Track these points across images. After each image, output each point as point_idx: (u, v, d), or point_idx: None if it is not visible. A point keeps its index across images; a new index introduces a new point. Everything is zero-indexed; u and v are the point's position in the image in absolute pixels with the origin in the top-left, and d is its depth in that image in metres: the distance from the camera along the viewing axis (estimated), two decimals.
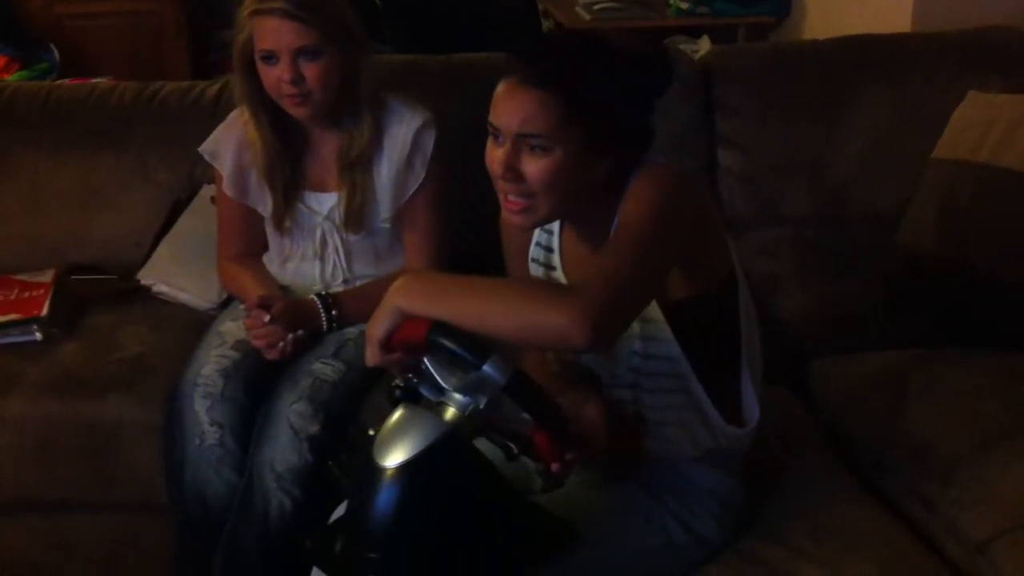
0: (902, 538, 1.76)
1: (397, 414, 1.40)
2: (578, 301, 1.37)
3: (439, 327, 1.39)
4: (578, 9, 4.14)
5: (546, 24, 4.50)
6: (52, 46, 4.30)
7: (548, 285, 1.68)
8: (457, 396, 1.41)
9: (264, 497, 1.98)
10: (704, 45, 3.68)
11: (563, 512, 1.57)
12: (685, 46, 3.58)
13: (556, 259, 1.74)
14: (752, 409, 1.69)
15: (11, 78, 4.07)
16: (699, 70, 2.71)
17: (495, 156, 1.54)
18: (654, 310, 1.59)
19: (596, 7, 4.08)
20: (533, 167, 1.51)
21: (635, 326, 1.61)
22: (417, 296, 1.44)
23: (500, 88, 1.54)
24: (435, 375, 1.43)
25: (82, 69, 4.16)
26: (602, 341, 1.40)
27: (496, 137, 1.54)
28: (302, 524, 1.96)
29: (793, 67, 2.76)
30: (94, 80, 3.35)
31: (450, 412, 1.41)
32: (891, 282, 2.38)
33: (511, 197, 1.55)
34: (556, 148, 1.50)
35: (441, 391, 1.43)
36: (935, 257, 2.36)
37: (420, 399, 1.45)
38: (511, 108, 1.52)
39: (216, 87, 2.66)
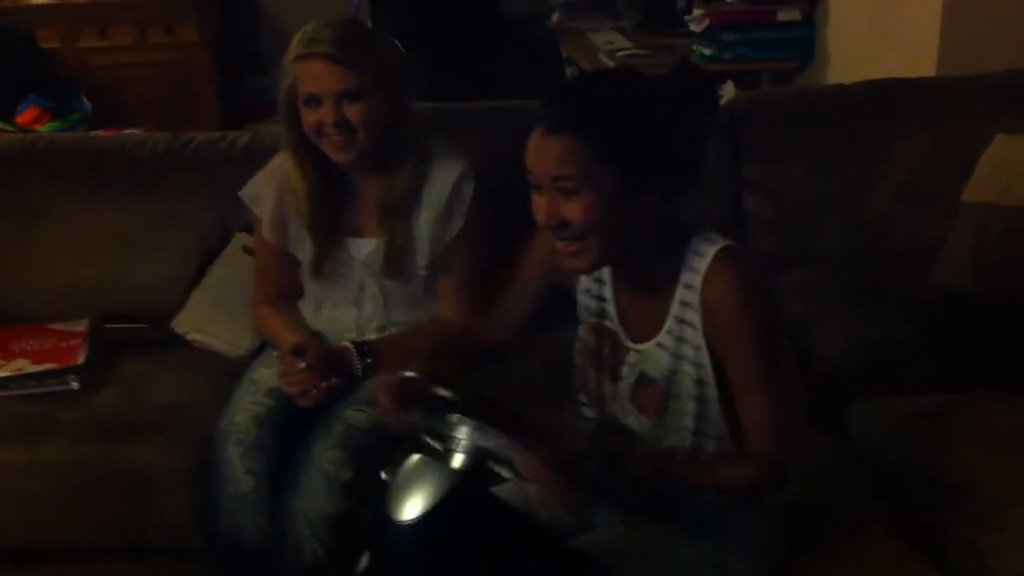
0: None
1: (406, 467, 1.47)
2: (760, 465, 1.58)
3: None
4: (601, 56, 4.16)
5: (570, 71, 4.53)
6: (83, 97, 4.35)
7: (724, 462, 1.67)
8: (454, 439, 1.49)
9: (297, 544, 1.98)
10: (729, 91, 3.68)
11: (597, 553, 1.57)
12: None
13: (611, 309, 1.73)
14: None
15: (44, 128, 4.10)
16: (726, 115, 2.72)
17: (539, 206, 1.57)
18: (711, 391, 1.61)
19: (619, 54, 4.10)
20: (572, 210, 1.54)
21: (691, 408, 1.63)
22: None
23: (532, 137, 1.57)
24: (431, 426, 1.52)
25: (114, 118, 4.20)
26: (787, 471, 1.60)
27: (536, 187, 1.57)
28: (335, 571, 1.96)
29: (820, 111, 2.77)
30: (127, 131, 3.39)
31: (457, 459, 1.47)
32: (927, 323, 2.36)
33: (562, 244, 1.57)
34: (590, 189, 1.52)
35: (443, 440, 1.50)
36: (970, 298, 2.35)
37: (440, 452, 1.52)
38: (541, 155, 1.55)
39: (246, 137, 2.68)
